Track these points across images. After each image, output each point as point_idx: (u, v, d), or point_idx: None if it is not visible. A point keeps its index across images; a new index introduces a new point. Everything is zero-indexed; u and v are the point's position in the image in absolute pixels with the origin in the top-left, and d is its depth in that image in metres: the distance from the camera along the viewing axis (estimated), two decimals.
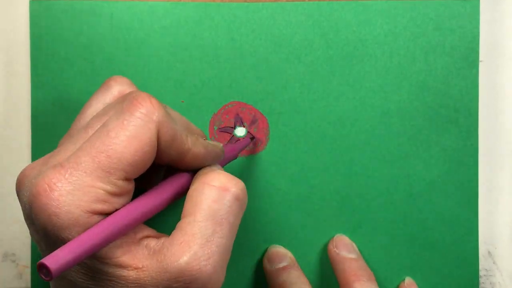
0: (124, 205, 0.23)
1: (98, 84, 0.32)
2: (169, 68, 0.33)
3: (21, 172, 0.23)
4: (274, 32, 0.33)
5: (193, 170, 0.26)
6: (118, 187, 0.22)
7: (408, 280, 0.33)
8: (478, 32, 0.32)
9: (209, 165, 0.26)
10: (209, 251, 0.22)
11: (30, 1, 0.33)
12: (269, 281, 0.32)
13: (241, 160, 0.33)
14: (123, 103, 0.23)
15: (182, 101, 0.33)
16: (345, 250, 0.32)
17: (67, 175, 0.21)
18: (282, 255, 0.32)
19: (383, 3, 0.33)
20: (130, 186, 0.23)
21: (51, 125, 0.33)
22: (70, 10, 0.33)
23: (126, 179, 0.22)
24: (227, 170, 0.32)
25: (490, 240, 0.34)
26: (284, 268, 0.32)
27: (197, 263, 0.22)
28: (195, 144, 0.25)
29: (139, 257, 0.22)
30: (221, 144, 0.28)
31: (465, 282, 0.33)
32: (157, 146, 0.23)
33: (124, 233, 0.22)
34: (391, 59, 0.33)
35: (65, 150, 0.23)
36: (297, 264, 0.32)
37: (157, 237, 0.23)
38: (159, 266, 0.22)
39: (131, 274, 0.22)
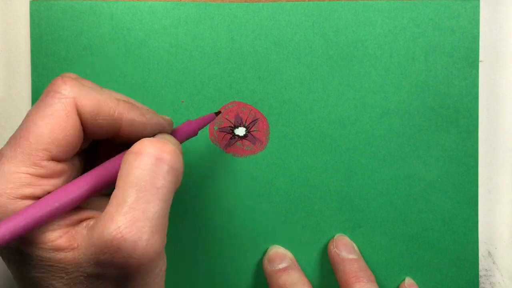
0: (59, 187, 0.23)
1: (98, 84, 0.33)
2: (169, 68, 0.33)
3: None
4: (274, 32, 0.33)
5: None
6: (44, 168, 0.22)
7: (408, 280, 0.33)
8: (478, 32, 0.32)
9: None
10: (132, 217, 0.21)
11: (30, 1, 0.33)
12: (270, 282, 0.32)
13: (242, 160, 0.33)
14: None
15: (182, 101, 0.33)
16: (345, 250, 0.32)
17: None
18: (282, 255, 0.32)
19: (383, 3, 0.33)
20: (60, 167, 0.23)
21: None
22: (70, 10, 0.33)
23: (53, 159, 0.22)
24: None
25: (490, 240, 0.34)
26: (284, 269, 0.32)
27: (119, 231, 0.21)
28: (128, 110, 0.24)
29: (77, 237, 0.22)
30: (169, 117, 0.27)
31: (465, 282, 0.33)
32: (81, 120, 0.23)
33: (56, 216, 0.22)
34: (391, 59, 0.33)
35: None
36: (297, 265, 0.32)
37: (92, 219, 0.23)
38: (88, 241, 0.22)
39: (68, 255, 0.22)
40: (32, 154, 0.22)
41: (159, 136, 0.26)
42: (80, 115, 0.23)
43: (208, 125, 0.33)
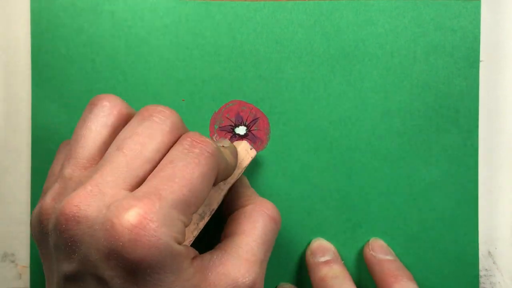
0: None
1: (99, 82, 0.33)
2: (170, 67, 0.33)
3: (68, 208, 0.22)
4: (275, 31, 0.33)
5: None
6: (189, 221, 0.23)
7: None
8: (479, 33, 0.33)
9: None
10: (262, 273, 0.25)
11: None
12: (311, 274, 0.32)
13: None
14: (183, 142, 0.24)
15: (183, 100, 0.33)
16: (381, 252, 0.32)
17: (157, 207, 0.21)
18: (325, 248, 0.32)
19: (384, 2, 0.33)
20: None
21: (52, 123, 0.33)
22: (71, 7, 0.32)
23: (193, 213, 0.24)
24: None
25: (490, 240, 0.34)
26: (326, 262, 0.31)
27: (254, 282, 0.24)
28: (230, 157, 0.27)
29: (208, 276, 0.24)
30: (227, 140, 0.30)
31: (465, 282, 0.33)
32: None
33: None
34: (392, 59, 0.33)
35: (113, 176, 0.23)
36: (340, 258, 0.32)
37: (209, 254, 0.25)
38: (228, 280, 0.24)
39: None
40: (190, 206, 0.23)
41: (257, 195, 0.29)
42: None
43: (209, 124, 0.33)
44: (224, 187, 0.29)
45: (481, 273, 0.33)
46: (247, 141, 0.31)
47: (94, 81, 0.32)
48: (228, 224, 0.27)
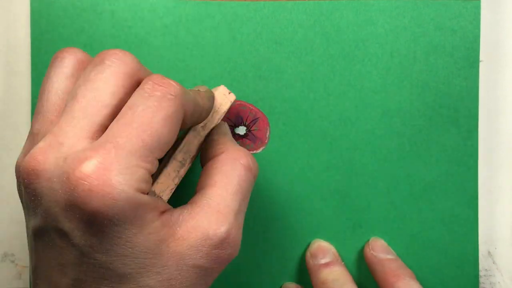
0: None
1: None
2: (170, 67, 0.33)
3: (28, 162, 0.22)
4: (275, 31, 0.33)
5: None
6: (154, 166, 0.22)
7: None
8: (479, 33, 0.33)
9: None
10: (238, 224, 0.24)
11: None
12: (312, 277, 0.32)
13: None
14: (144, 86, 0.23)
15: None
16: (382, 252, 0.32)
17: (113, 155, 0.21)
18: (325, 250, 0.32)
19: (384, 2, 0.33)
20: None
21: None
22: (71, 7, 0.32)
23: (158, 157, 0.23)
24: None
25: (490, 240, 0.34)
26: (326, 264, 0.31)
27: (229, 233, 0.24)
28: (203, 100, 0.26)
29: (179, 230, 0.23)
30: (204, 86, 0.28)
31: (465, 282, 0.33)
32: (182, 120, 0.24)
33: None
34: (392, 59, 0.33)
35: (70, 126, 0.22)
36: (340, 260, 0.32)
37: (180, 209, 0.24)
38: (198, 233, 0.23)
39: (171, 246, 0.23)
40: (152, 151, 0.22)
41: (232, 142, 0.28)
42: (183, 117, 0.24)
43: None
44: (203, 133, 0.28)
45: (481, 273, 0.33)
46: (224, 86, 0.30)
47: None
48: (201, 177, 0.26)
